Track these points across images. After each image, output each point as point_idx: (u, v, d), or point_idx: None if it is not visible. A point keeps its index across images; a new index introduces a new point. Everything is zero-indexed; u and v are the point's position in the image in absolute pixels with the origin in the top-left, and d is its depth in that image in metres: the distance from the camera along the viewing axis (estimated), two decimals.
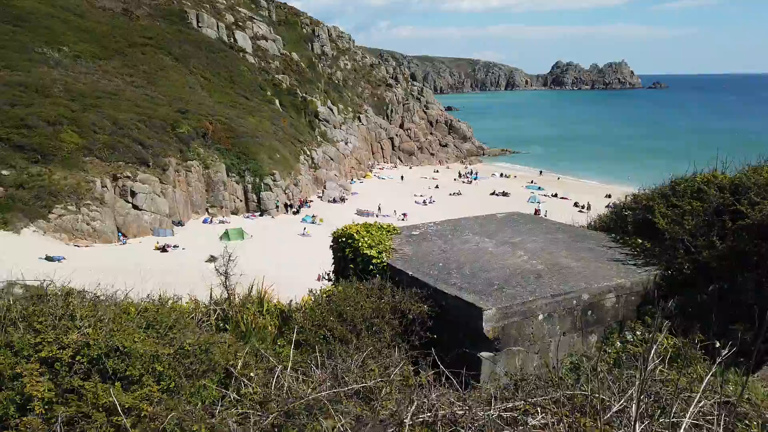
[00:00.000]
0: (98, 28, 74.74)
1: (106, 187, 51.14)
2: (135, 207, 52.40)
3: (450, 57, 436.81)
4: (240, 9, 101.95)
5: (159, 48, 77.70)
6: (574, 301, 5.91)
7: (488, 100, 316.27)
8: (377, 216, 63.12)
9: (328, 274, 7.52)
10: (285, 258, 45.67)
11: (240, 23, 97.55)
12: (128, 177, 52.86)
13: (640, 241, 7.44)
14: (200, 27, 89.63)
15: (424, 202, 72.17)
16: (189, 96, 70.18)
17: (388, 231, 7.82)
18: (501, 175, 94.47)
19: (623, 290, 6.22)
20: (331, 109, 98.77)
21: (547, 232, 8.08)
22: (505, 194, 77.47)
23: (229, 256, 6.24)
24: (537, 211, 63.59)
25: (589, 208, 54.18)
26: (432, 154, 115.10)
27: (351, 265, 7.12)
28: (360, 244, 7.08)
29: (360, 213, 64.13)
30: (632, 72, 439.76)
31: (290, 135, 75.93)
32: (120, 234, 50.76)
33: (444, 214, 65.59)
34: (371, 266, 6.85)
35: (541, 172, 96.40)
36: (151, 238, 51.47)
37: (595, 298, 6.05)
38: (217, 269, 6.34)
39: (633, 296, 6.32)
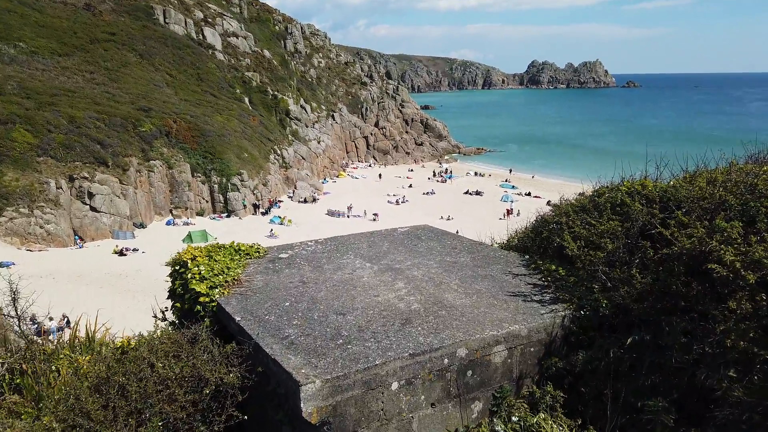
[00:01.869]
0: (58, 23, 71.94)
1: (61, 188, 48.82)
2: (93, 209, 50.17)
3: (427, 55, 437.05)
4: (209, 5, 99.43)
5: (122, 44, 75.11)
6: (446, 360, 4.36)
7: (465, 99, 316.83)
8: (348, 216, 61.73)
9: (164, 313, 5.66)
10: None
11: (209, 20, 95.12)
12: (85, 178, 50.59)
13: (554, 267, 5.82)
14: (167, 23, 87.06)
15: (397, 201, 70.92)
16: (153, 94, 67.86)
17: (244, 255, 6.20)
18: (476, 173, 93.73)
19: (518, 340, 4.71)
20: (304, 108, 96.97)
21: (447, 254, 6.72)
22: (478, 193, 76.65)
23: (14, 291, 4.78)
24: (509, 210, 62.93)
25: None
26: (407, 153, 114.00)
27: (177, 304, 5.42)
28: (189, 275, 5.31)
29: (330, 213, 62.65)
30: (606, 71, 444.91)
31: (260, 134, 74.01)
32: (77, 237, 48.55)
33: (416, 214, 64.35)
34: (198, 306, 5.13)
35: (510, 170, 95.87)
36: (111, 241, 49.37)
37: (476, 354, 4.50)
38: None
39: (532, 347, 4.78)
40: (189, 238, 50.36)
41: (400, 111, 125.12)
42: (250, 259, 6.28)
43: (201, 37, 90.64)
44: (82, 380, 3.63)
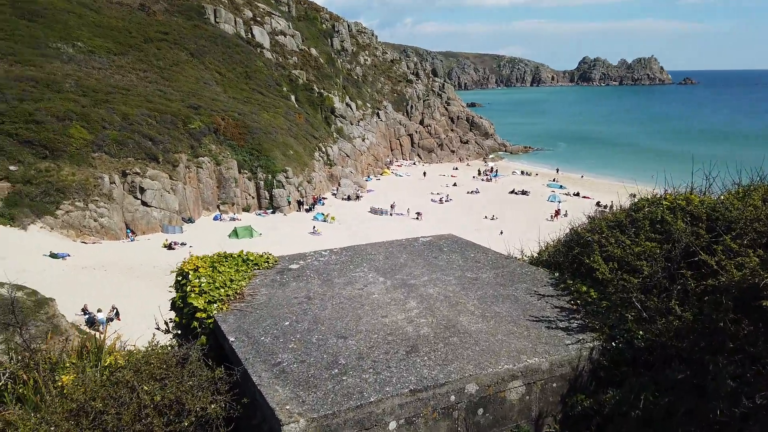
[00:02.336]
0: (114, 23, 74.51)
1: (114, 183, 50.56)
2: (144, 203, 51.73)
3: (474, 53, 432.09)
4: (259, 4, 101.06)
5: (175, 43, 77.19)
6: (453, 397, 3.84)
7: (513, 96, 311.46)
8: (391, 214, 61.61)
9: (167, 325, 5.20)
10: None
11: (258, 18, 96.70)
12: (137, 173, 52.21)
13: (584, 289, 5.18)
14: (218, 22, 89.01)
15: (441, 200, 70.33)
16: (203, 92, 69.46)
17: (252, 265, 5.83)
18: (522, 172, 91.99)
19: (538, 375, 4.14)
20: (349, 105, 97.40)
21: (469, 269, 6.18)
22: (524, 193, 75.15)
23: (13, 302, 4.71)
24: (558, 211, 61.37)
25: (611, 208, 51.76)
26: (452, 151, 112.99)
27: (176, 318, 5.08)
28: (189, 288, 4.95)
29: (373, 211, 62.66)
30: (662, 68, 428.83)
31: (305, 131, 74.73)
32: (129, 231, 50.14)
33: (459, 213, 63.66)
34: (195, 323, 4.79)
35: (557, 170, 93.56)
36: (160, 235, 50.77)
37: (489, 390, 3.96)
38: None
39: (555, 382, 4.21)
40: (235, 233, 51.39)
41: (446, 108, 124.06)
42: (259, 269, 5.99)
43: (250, 35, 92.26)
44: (62, 404, 3.47)
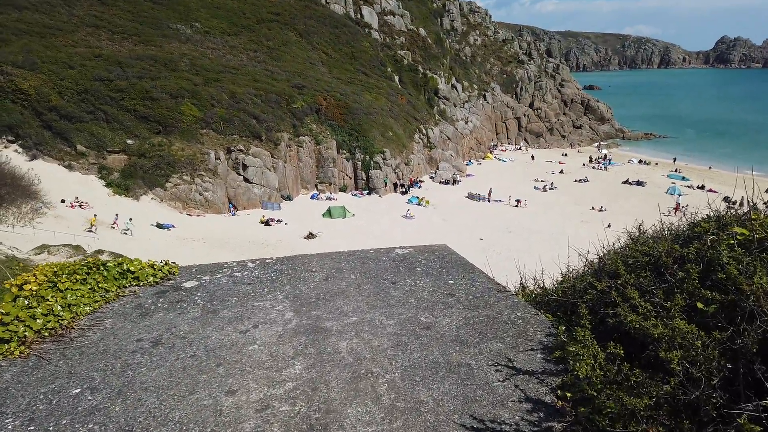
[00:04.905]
0: (230, 4, 77.56)
1: (219, 159, 52.68)
2: (246, 180, 53.50)
3: (596, 32, 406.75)
4: None
5: (285, 24, 78.97)
6: None
7: (637, 79, 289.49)
8: (489, 200, 59.13)
9: None
10: (379, 241, 43.73)
11: None
12: (241, 150, 54.02)
13: (588, 371, 2.75)
14: (327, 3, 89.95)
15: (545, 188, 66.41)
16: (308, 72, 70.48)
17: (131, 278, 4.37)
18: (640, 161, 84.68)
19: None
20: (455, 87, 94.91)
21: (430, 307, 4.51)
22: (640, 183, 69.01)
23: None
24: (678, 206, 55.50)
25: (741, 204, 45.79)
26: (563, 137, 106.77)
27: None
28: None
29: (470, 197, 60.47)
30: None
31: (406, 112, 73.64)
32: (231, 205, 52.12)
33: (564, 203, 59.70)
34: None
35: (675, 159, 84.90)
36: (259, 211, 52.30)
37: None
38: None
39: None
40: (329, 213, 51.75)
41: (559, 91, 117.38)
42: (137, 286, 4.64)
43: (359, 16, 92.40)
44: None
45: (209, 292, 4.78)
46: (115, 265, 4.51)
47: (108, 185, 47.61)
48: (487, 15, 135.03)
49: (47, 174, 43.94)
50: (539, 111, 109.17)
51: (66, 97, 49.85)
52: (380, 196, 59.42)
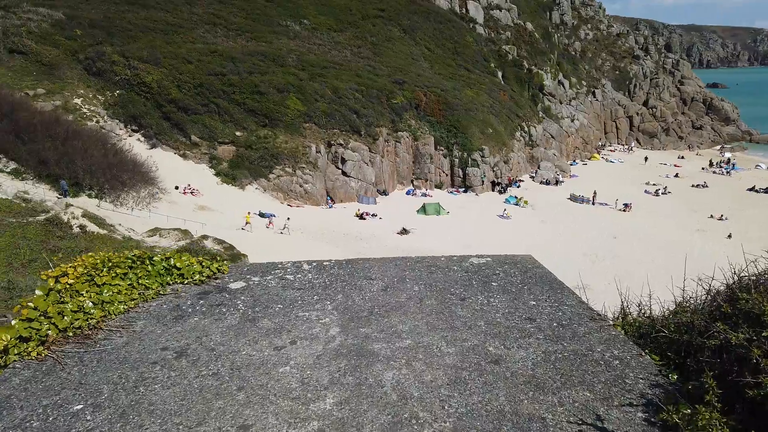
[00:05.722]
0: (337, 1, 79.20)
1: (320, 152, 54.05)
2: (344, 173, 54.49)
3: (723, 26, 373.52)
4: None
5: (389, 20, 79.44)
6: None
7: None
8: (593, 203, 56.06)
9: None
10: (473, 239, 42.80)
11: None
12: (341, 144, 55.07)
13: None
14: None
15: (656, 192, 61.86)
16: (410, 67, 70.46)
17: (176, 275, 4.00)
18: None
19: None
20: (561, 83, 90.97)
21: (502, 334, 3.77)
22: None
23: None
24: None
25: None
26: (680, 138, 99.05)
27: None
28: (30, 309, 3.36)
29: (573, 198, 57.62)
30: None
31: (508, 109, 71.57)
32: (328, 198, 53.32)
33: (678, 209, 55.40)
34: None
35: None
36: (355, 204, 53.07)
37: None
38: None
39: None
40: (423, 209, 51.45)
41: (678, 89, 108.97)
42: (182, 284, 4.27)
43: (464, 11, 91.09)
44: None
45: (254, 296, 4.36)
46: (161, 260, 4.23)
47: (217, 174, 50.36)
48: (600, 8, 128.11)
49: (164, 162, 47.28)
50: (654, 110, 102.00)
51: (184, 90, 53.33)
52: (476, 195, 58.22)
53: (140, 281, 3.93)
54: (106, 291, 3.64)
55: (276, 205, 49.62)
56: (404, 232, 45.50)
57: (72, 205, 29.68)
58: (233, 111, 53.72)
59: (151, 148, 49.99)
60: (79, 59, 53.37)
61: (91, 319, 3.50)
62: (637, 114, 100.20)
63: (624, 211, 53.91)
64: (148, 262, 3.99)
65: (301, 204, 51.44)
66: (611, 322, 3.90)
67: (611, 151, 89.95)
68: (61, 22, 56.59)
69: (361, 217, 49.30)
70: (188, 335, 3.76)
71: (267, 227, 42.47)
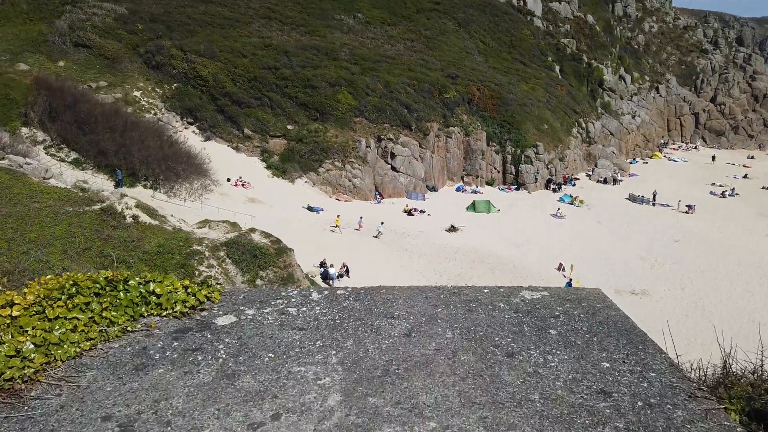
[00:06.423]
0: None
1: (369, 147, 53.74)
2: (393, 168, 54.01)
3: None
4: None
5: (444, 13, 78.25)
6: None
7: None
8: (653, 204, 53.49)
9: None
10: (526, 238, 41.52)
11: None
12: (391, 139, 54.59)
13: None
14: None
15: (723, 194, 58.46)
16: (463, 61, 69.14)
17: (154, 306, 3.15)
18: None
19: None
20: (622, 78, 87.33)
21: (559, 416, 2.51)
22: None
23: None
24: None
25: None
26: (750, 137, 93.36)
27: None
28: None
29: (632, 198, 55.14)
30: None
31: (565, 104, 69.20)
32: (377, 193, 52.99)
33: (746, 213, 52.34)
34: None
35: None
36: (404, 200, 52.54)
37: None
38: None
39: None
40: (473, 206, 50.39)
41: (749, 85, 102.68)
42: (159, 316, 3.32)
43: (522, 3, 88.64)
44: None
45: (242, 338, 3.31)
46: (137, 284, 3.33)
47: (268, 167, 50.87)
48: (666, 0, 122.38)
49: (217, 154, 48.08)
50: (722, 107, 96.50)
51: (238, 83, 54.10)
52: (529, 192, 56.59)
53: (104, 313, 3.10)
54: (58, 327, 2.86)
55: (324, 199, 49.68)
56: (452, 229, 44.66)
57: (126, 195, 30.43)
58: (285, 105, 54.10)
59: (205, 141, 50.97)
60: (139, 53, 54.99)
61: (29, 367, 2.65)
62: (704, 111, 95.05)
63: (687, 213, 51.15)
64: (121, 286, 3.16)
65: (350, 198, 51.31)
66: (717, 403, 2.65)
67: (674, 149, 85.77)
68: (124, 16, 58.47)
69: (409, 213, 48.74)
70: (144, 397, 2.76)
71: (355, 229, 42.23)
